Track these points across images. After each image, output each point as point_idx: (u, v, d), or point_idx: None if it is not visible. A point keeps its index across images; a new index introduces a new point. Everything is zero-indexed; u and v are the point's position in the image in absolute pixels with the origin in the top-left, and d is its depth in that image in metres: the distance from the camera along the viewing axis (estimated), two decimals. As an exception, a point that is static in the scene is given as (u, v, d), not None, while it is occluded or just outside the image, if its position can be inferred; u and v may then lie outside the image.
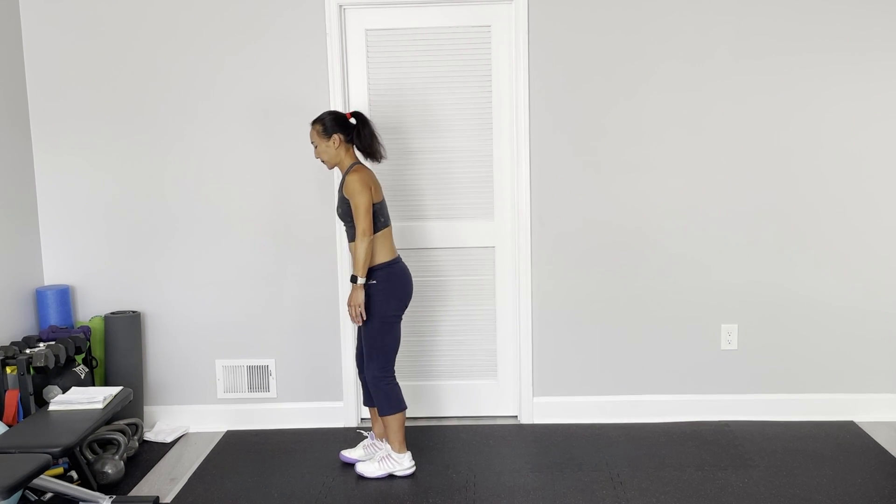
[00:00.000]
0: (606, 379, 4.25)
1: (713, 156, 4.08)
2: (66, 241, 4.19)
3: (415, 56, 4.08)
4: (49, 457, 2.83)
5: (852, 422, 4.18)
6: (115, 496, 3.21)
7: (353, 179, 3.42)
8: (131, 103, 4.10)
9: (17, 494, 3.26)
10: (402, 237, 4.21)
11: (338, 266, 4.18)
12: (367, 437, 3.84)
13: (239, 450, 4.02)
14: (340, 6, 4.02)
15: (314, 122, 3.53)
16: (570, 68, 4.03)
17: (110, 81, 4.09)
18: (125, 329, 4.08)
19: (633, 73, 4.02)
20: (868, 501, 3.31)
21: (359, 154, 3.68)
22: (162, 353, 4.27)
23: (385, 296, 3.49)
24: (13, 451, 2.92)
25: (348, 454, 3.82)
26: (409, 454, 3.65)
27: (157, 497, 3.21)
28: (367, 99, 4.12)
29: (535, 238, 4.16)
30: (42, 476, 3.09)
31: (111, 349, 4.08)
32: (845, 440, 3.94)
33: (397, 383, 3.58)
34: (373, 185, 3.46)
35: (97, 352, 4.13)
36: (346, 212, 3.48)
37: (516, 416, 4.32)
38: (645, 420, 4.26)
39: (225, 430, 4.31)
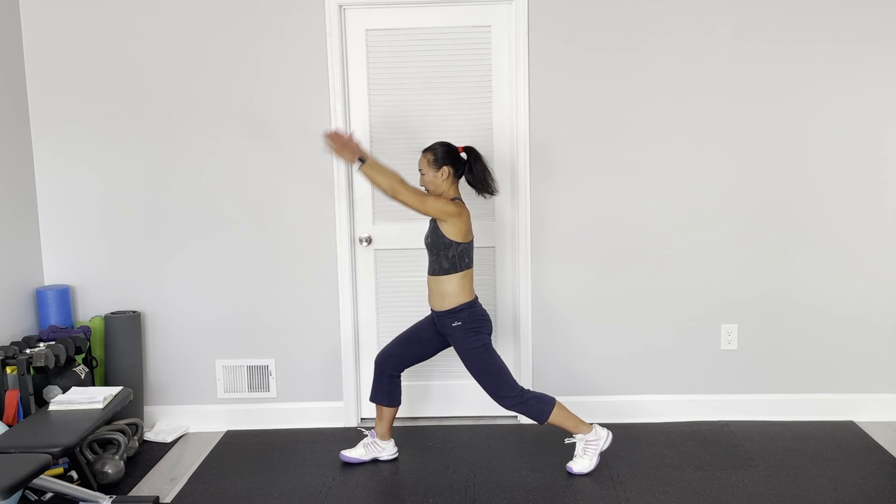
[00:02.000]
0: (606, 379, 4.25)
1: (713, 156, 4.08)
2: (66, 241, 4.19)
3: (415, 56, 4.08)
4: (49, 457, 2.83)
5: (852, 422, 4.18)
6: (115, 496, 3.21)
7: (452, 210, 3.45)
8: (131, 103, 4.10)
9: (17, 494, 3.26)
10: (404, 237, 4.21)
11: (337, 266, 4.18)
12: (367, 434, 3.84)
13: (239, 450, 4.02)
14: (340, 6, 4.02)
15: (426, 151, 3.55)
16: (570, 68, 4.03)
17: (111, 82, 4.09)
18: (125, 329, 4.08)
19: (633, 74, 4.02)
20: (868, 501, 3.31)
21: (471, 190, 3.67)
22: (162, 353, 4.28)
23: (472, 334, 3.53)
24: (13, 451, 2.92)
25: (348, 454, 3.82)
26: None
27: (157, 497, 3.21)
28: (367, 99, 4.12)
29: (535, 238, 4.16)
30: (42, 476, 3.09)
31: (111, 349, 4.08)
32: (845, 440, 3.94)
33: (529, 390, 3.57)
34: (469, 222, 3.50)
35: (97, 352, 4.13)
36: (434, 242, 3.51)
37: (516, 417, 4.32)
38: (645, 420, 4.26)
39: (225, 430, 4.31)
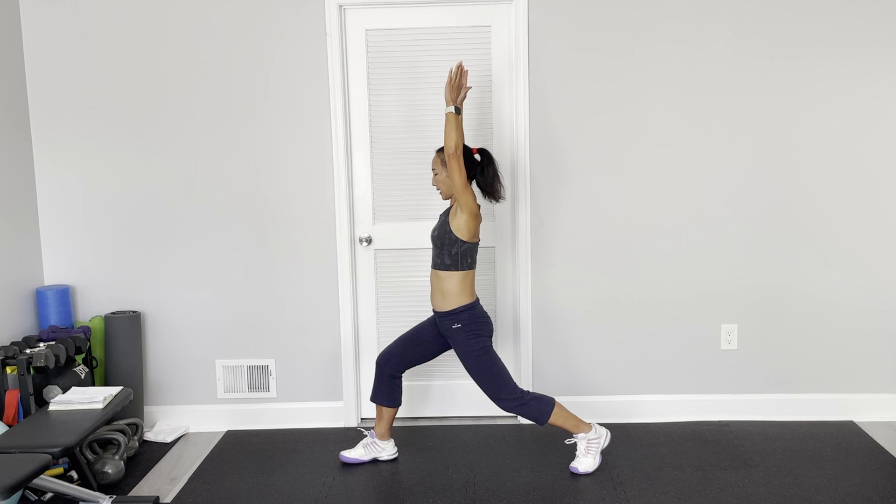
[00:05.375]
0: (606, 379, 4.25)
1: (713, 155, 4.08)
2: (66, 241, 4.19)
3: (415, 56, 4.08)
4: (49, 457, 2.83)
5: (852, 422, 4.18)
6: (115, 496, 3.21)
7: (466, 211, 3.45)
8: (131, 103, 4.10)
9: (17, 494, 3.26)
10: (404, 237, 4.21)
11: (337, 266, 4.18)
12: (367, 435, 3.84)
13: (239, 450, 4.02)
14: (340, 6, 4.02)
15: (440, 150, 3.54)
16: (571, 68, 4.03)
17: (110, 82, 4.09)
18: (125, 329, 4.08)
19: (633, 73, 4.02)
20: (868, 501, 3.31)
21: (477, 191, 3.65)
22: (162, 353, 4.28)
23: (472, 335, 3.52)
24: (13, 451, 2.92)
25: (348, 455, 3.82)
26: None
27: (157, 497, 3.21)
28: (367, 99, 4.12)
29: (535, 238, 4.16)
30: (42, 476, 3.09)
31: (111, 349, 4.08)
32: (845, 440, 3.94)
33: (528, 392, 3.56)
34: (479, 225, 3.50)
35: (97, 352, 4.13)
36: (440, 236, 3.49)
37: (516, 417, 4.32)
38: (645, 420, 4.26)
39: (225, 430, 4.31)
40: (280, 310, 4.23)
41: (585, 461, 3.62)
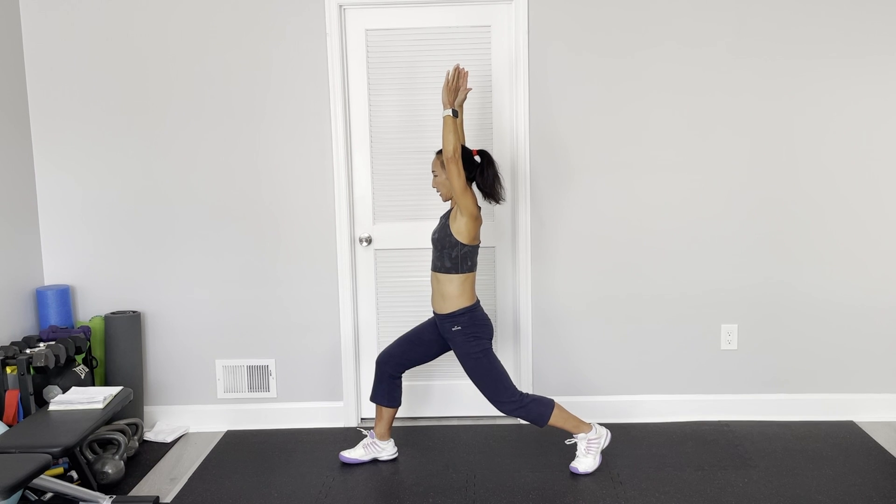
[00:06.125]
0: (606, 379, 4.25)
1: (713, 155, 4.08)
2: (66, 241, 4.19)
3: (415, 56, 4.08)
4: (49, 457, 2.83)
5: (852, 422, 4.18)
6: (115, 496, 3.21)
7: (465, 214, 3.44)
8: (131, 103, 4.10)
9: (17, 494, 3.26)
10: (404, 237, 4.21)
11: (337, 266, 4.18)
12: (366, 435, 3.84)
13: (239, 450, 4.02)
14: (340, 6, 4.02)
15: (439, 153, 3.52)
16: (570, 68, 4.03)
17: (111, 83, 4.09)
18: (125, 329, 4.08)
19: (632, 73, 4.03)
20: (868, 501, 3.31)
21: (477, 193, 3.64)
22: (162, 353, 4.28)
23: (471, 339, 3.52)
24: (13, 451, 2.92)
25: (348, 455, 3.82)
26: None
27: (157, 497, 3.21)
28: (366, 99, 4.12)
29: (535, 238, 4.16)
30: (42, 476, 3.10)
31: (111, 349, 4.08)
32: (845, 440, 3.94)
33: (527, 394, 3.55)
34: (479, 228, 3.49)
35: (97, 352, 4.13)
36: (441, 239, 3.49)
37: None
38: (644, 420, 4.26)
39: (225, 430, 4.31)
40: (280, 310, 4.23)
41: (585, 461, 3.63)
